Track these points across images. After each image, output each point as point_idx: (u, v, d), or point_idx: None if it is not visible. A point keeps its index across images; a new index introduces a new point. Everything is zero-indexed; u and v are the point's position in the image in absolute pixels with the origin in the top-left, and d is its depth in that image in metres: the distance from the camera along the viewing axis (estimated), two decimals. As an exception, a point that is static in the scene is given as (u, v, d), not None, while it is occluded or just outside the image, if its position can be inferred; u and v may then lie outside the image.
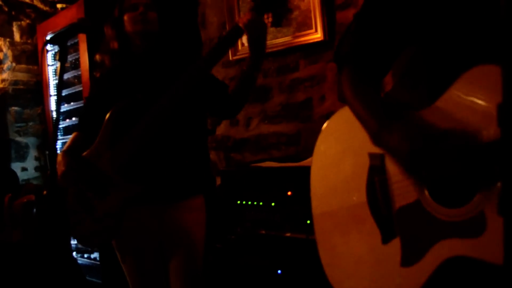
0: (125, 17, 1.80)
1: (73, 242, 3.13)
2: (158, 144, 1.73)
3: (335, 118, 1.30)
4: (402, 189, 1.10)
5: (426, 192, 1.05)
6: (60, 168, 1.71)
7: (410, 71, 1.18)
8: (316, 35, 2.41)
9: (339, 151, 1.27)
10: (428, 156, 0.97)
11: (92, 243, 1.88)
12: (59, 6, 3.79)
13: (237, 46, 2.74)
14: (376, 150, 1.12)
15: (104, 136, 1.74)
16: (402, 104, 1.14)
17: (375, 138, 1.08)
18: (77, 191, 1.73)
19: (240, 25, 1.73)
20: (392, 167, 1.12)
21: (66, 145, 1.85)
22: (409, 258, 1.08)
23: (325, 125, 1.33)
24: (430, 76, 1.11)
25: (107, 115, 1.75)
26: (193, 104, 1.80)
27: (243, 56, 2.71)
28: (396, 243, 1.10)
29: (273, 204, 2.03)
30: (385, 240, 1.13)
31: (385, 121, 1.06)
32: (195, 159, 1.85)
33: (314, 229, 1.32)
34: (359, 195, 1.19)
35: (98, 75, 1.95)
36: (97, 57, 1.98)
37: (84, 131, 1.87)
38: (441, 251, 1.02)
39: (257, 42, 1.78)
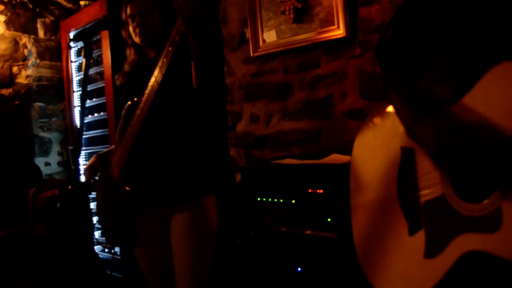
0: (129, 28, 1.79)
1: (95, 236, 3.18)
2: (161, 144, 1.72)
3: (374, 113, 1.37)
4: (429, 183, 1.14)
5: (450, 187, 1.09)
6: (88, 169, 1.84)
7: (445, 68, 1.20)
8: (338, 31, 2.38)
9: (377, 145, 1.33)
10: (454, 151, 1.01)
11: (112, 240, 1.91)
12: (82, 3, 3.84)
13: (258, 42, 2.73)
14: (408, 144, 1.18)
15: (117, 139, 1.80)
16: (435, 100, 1.16)
17: (409, 131, 1.14)
18: (104, 190, 1.78)
19: (174, 7, 1.48)
20: (421, 161, 1.16)
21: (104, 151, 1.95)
22: (431, 250, 1.11)
23: (365, 122, 1.40)
24: (462, 72, 1.12)
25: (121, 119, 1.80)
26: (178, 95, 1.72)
27: (264, 52, 2.71)
28: (421, 235, 1.14)
29: (293, 201, 2.02)
30: (412, 231, 1.17)
31: (419, 115, 1.11)
32: (203, 158, 1.81)
33: (351, 220, 1.40)
34: (391, 188, 1.25)
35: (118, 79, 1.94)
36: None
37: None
38: (460, 245, 1.04)
39: (186, 25, 1.49)
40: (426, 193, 1.15)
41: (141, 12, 1.73)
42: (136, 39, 1.77)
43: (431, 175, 1.13)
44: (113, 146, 1.91)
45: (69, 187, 1.80)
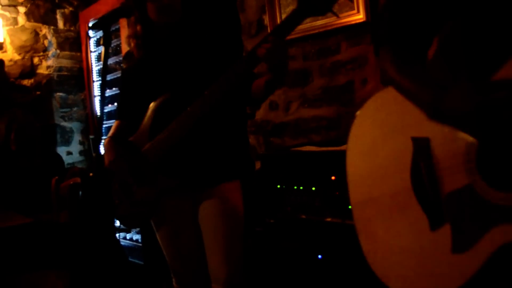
0: (149, 5, 1.72)
1: (117, 224, 3.23)
2: (192, 131, 1.72)
3: (370, 103, 1.27)
4: (452, 173, 1.06)
5: (478, 175, 1.01)
6: (109, 153, 1.77)
7: (446, 51, 1.13)
8: (358, 16, 2.34)
9: (376, 136, 1.23)
10: (494, 112, 0.93)
11: (129, 224, 1.92)
12: (100, -7, 3.86)
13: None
14: (419, 133, 1.09)
15: (146, 127, 1.76)
16: (448, 77, 1.10)
17: (432, 108, 1.05)
18: (120, 175, 1.77)
19: (258, 54, 1.53)
20: (440, 152, 1.08)
21: (111, 132, 1.88)
22: (461, 245, 1.04)
23: (359, 111, 1.30)
24: (469, 57, 1.06)
25: (151, 107, 1.75)
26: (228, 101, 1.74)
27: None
28: (446, 230, 1.07)
29: (313, 188, 2.01)
30: (434, 226, 1.09)
31: (440, 88, 1.03)
32: (230, 144, 1.82)
33: (354, 217, 1.30)
34: (403, 181, 1.15)
35: (125, 65, 1.90)
36: (126, 40, 1.92)
37: (125, 119, 1.90)
38: (496, 236, 0.98)
39: (276, 69, 1.60)
40: (448, 184, 1.06)
41: None
42: (160, 18, 1.72)
43: (453, 165, 1.05)
44: (116, 124, 1.89)
45: (91, 174, 1.80)
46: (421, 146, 1.11)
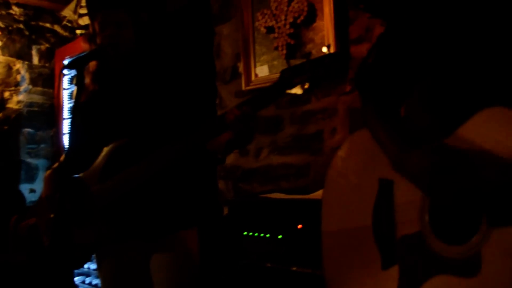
0: (97, 38, 1.66)
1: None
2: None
3: (347, 144, 1.35)
4: (406, 218, 1.11)
5: (428, 225, 1.06)
6: (48, 186, 1.66)
7: (423, 101, 1.20)
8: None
9: (350, 175, 1.30)
10: (445, 173, 0.99)
11: (57, 266, 1.77)
12: (78, 32, 3.89)
13: (251, 76, 2.76)
14: (386, 175, 1.15)
15: (98, 167, 1.66)
16: (417, 133, 1.16)
17: (395, 162, 1.12)
18: (58, 212, 1.63)
19: (226, 119, 1.47)
20: (400, 196, 1.13)
21: (56, 164, 1.78)
22: (405, 287, 1.08)
23: (337, 151, 1.37)
24: (442, 108, 1.13)
25: (106, 149, 1.66)
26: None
27: (256, 86, 2.73)
28: (394, 271, 1.11)
29: (280, 236, 1.99)
30: (385, 266, 1.13)
31: (406, 146, 1.10)
32: (187, 191, 1.74)
33: (322, 245, 1.35)
34: (365, 219, 1.21)
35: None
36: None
37: (73, 153, 1.73)
38: (436, 286, 1.01)
39: (241, 135, 1.54)
40: (403, 228, 1.12)
41: (117, 24, 1.63)
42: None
43: (410, 210, 1.10)
44: (64, 156, 1.78)
45: (51, 215, 1.71)
46: (385, 188, 1.17)
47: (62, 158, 1.82)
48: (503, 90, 1.03)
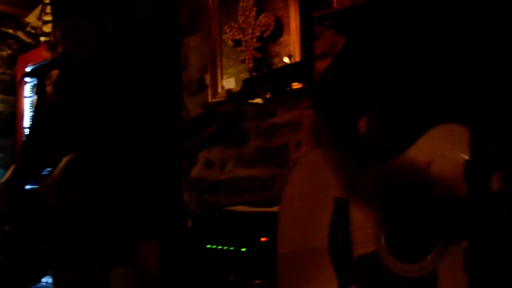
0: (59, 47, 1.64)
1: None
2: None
3: (304, 161, 1.32)
4: (362, 237, 1.10)
5: (384, 245, 1.05)
6: (1, 199, 1.60)
7: (380, 119, 1.21)
8: (295, 82, 2.44)
9: (304, 196, 1.27)
10: (393, 204, 1.00)
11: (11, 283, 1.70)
12: (42, 39, 3.80)
13: (217, 88, 2.76)
14: (342, 195, 1.14)
15: (55, 179, 1.62)
16: (372, 152, 1.16)
17: (348, 181, 1.11)
18: (14, 226, 1.55)
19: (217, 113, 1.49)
20: (355, 214, 1.12)
21: (6, 176, 1.71)
22: None
23: (294, 168, 1.34)
24: (398, 126, 1.14)
25: (65, 159, 1.62)
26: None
27: (222, 99, 2.71)
28: None
29: (243, 249, 1.99)
30: (342, 287, 1.12)
31: (359, 166, 1.09)
32: (146, 203, 1.70)
33: (277, 267, 1.31)
34: (321, 239, 1.18)
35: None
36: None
37: (26, 163, 1.68)
38: None
39: (224, 131, 1.56)
40: (359, 248, 1.10)
41: (79, 32, 1.62)
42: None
43: (365, 229, 1.10)
44: (14, 166, 1.72)
45: (6, 228, 1.64)
46: (340, 207, 1.15)
47: (11, 170, 1.74)
48: (457, 106, 1.05)
